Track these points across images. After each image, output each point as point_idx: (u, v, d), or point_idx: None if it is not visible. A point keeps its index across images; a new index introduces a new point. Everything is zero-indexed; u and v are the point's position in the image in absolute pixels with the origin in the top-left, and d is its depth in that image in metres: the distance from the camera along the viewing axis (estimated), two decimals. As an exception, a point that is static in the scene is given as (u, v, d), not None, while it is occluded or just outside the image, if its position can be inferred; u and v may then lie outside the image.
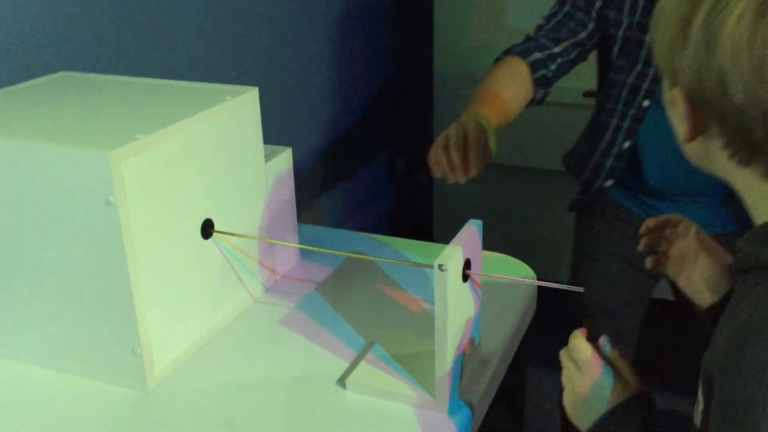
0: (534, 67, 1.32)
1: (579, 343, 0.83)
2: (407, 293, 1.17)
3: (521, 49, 1.34)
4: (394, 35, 2.62)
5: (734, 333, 0.62)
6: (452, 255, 0.84)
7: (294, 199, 1.23)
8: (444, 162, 1.09)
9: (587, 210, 1.51)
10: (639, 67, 1.32)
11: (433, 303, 0.85)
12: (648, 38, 1.29)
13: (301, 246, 1.20)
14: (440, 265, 0.82)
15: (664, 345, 2.30)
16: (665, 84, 0.70)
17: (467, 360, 0.93)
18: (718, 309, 0.92)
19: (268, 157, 1.14)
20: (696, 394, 0.75)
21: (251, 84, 1.10)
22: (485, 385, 0.96)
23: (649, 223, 1.01)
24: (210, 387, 0.96)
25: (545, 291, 1.18)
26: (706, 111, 0.64)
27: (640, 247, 1.03)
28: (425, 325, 1.05)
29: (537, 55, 1.32)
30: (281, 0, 1.90)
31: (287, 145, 1.21)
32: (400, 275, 1.22)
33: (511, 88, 1.29)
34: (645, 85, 1.32)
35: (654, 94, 1.32)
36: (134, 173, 0.87)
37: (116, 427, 0.90)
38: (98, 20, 1.34)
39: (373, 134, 2.56)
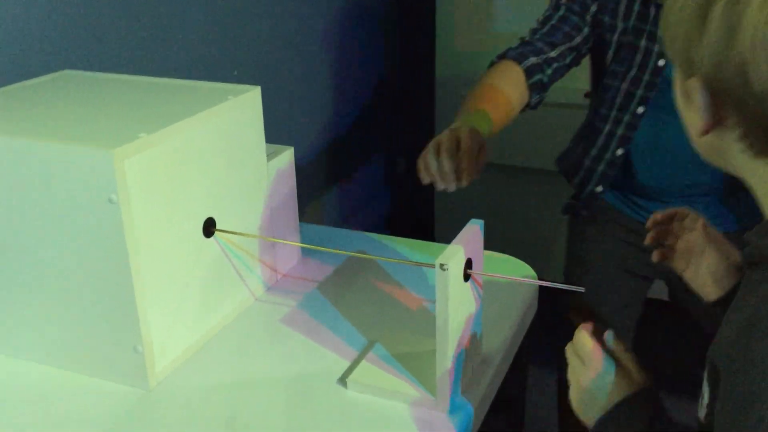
0: (529, 72, 1.30)
1: (583, 337, 0.83)
2: (409, 292, 1.17)
3: (516, 54, 1.32)
4: (396, 35, 2.62)
5: (741, 326, 0.62)
6: (454, 254, 0.84)
7: (296, 198, 1.23)
8: (434, 168, 1.05)
9: (580, 214, 1.50)
10: (633, 72, 1.31)
11: (434, 302, 0.85)
12: (642, 43, 1.29)
13: (303, 245, 1.20)
14: (441, 265, 0.82)
15: (659, 345, 2.30)
16: (677, 76, 0.69)
17: (469, 359, 0.94)
18: (723, 303, 0.92)
19: (269, 156, 1.15)
20: (688, 392, 0.75)
21: (253, 83, 1.10)
22: (486, 384, 0.96)
23: (657, 216, 1.01)
24: (211, 385, 0.97)
25: (544, 291, 1.18)
26: (725, 100, 0.64)
27: (647, 240, 1.02)
28: (426, 324, 1.05)
29: (532, 60, 1.31)
30: (283, 1, 1.90)
31: (289, 144, 1.22)
32: (402, 275, 1.22)
33: (505, 93, 1.28)
34: (639, 91, 1.31)
35: (648, 100, 1.31)
36: (136, 171, 0.88)
37: (117, 425, 0.90)
38: (101, 19, 1.35)
39: (375, 134, 2.57)
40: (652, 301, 1.67)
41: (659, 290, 1.62)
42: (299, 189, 1.24)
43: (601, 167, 1.40)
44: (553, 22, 1.35)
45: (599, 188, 1.42)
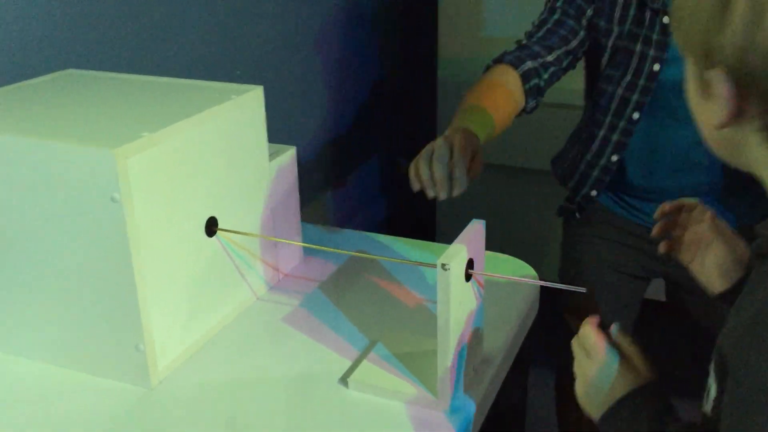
0: (525, 77, 1.29)
1: (588, 329, 0.83)
2: (410, 292, 1.17)
3: (513, 58, 1.30)
4: (398, 36, 2.62)
5: (751, 318, 0.62)
6: (455, 254, 0.84)
7: (298, 198, 1.23)
8: (425, 175, 1.02)
9: (574, 216, 1.50)
10: (629, 77, 1.30)
11: (435, 302, 0.85)
12: (638, 48, 1.28)
13: (305, 245, 1.20)
14: (443, 265, 0.82)
15: (656, 346, 2.30)
16: (691, 69, 0.68)
17: (470, 358, 0.94)
18: (728, 296, 0.91)
19: (272, 155, 1.15)
20: (687, 393, 0.75)
21: (255, 83, 1.10)
22: (487, 384, 0.96)
23: (665, 207, 1.00)
24: (213, 384, 0.97)
25: (543, 291, 1.19)
26: (749, 90, 0.62)
27: (654, 232, 1.02)
28: (428, 324, 1.05)
29: (529, 64, 1.30)
30: (286, 1, 1.90)
31: (291, 144, 1.22)
32: (403, 274, 1.22)
33: (501, 98, 1.26)
34: (635, 96, 1.31)
35: (644, 106, 1.31)
36: (139, 170, 0.88)
37: (119, 424, 0.90)
38: (104, 19, 1.35)
39: (377, 134, 2.57)
40: (649, 302, 1.67)
41: (655, 291, 1.63)
42: (301, 188, 1.24)
43: (595, 173, 1.40)
44: (549, 25, 1.34)
45: (594, 192, 1.42)
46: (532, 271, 1.25)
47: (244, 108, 1.06)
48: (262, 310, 1.13)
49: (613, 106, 1.34)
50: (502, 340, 1.04)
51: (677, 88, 1.28)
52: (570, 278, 1.54)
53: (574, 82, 1.48)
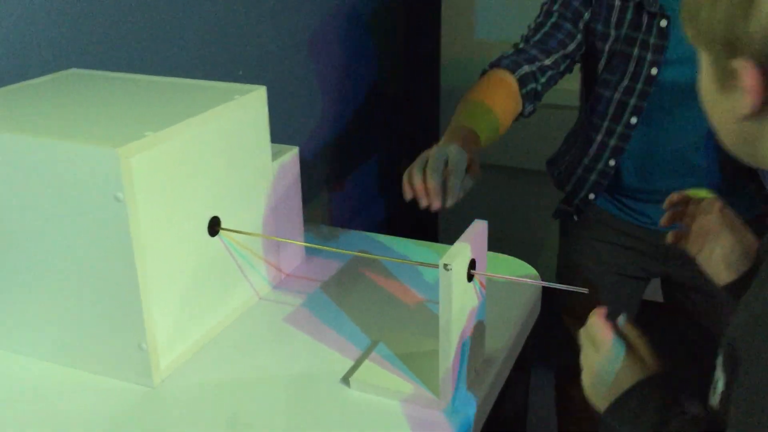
0: (522, 81, 1.26)
1: (595, 321, 0.83)
2: (412, 292, 1.17)
3: (509, 62, 1.28)
4: (401, 37, 2.62)
5: (762, 311, 0.62)
6: (457, 254, 0.85)
7: (300, 198, 1.23)
8: (419, 185, 1.00)
9: (571, 218, 1.49)
10: (626, 81, 1.29)
11: (437, 302, 0.85)
12: (635, 52, 1.27)
13: (307, 244, 1.20)
14: (445, 265, 0.83)
15: (654, 346, 2.29)
16: (708, 61, 0.66)
17: (472, 359, 0.94)
18: (734, 288, 0.91)
19: (275, 155, 1.15)
20: (684, 394, 0.75)
21: (259, 83, 1.10)
22: (489, 385, 0.96)
23: (673, 197, 1.00)
24: (215, 383, 0.97)
25: (543, 293, 1.19)
26: None
27: (663, 221, 1.02)
28: (430, 324, 1.06)
29: (526, 69, 1.27)
30: (290, 2, 1.90)
31: (293, 144, 1.22)
32: (405, 275, 1.22)
33: (503, 97, 1.24)
34: (632, 101, 1.30)
35: (641, 110, 1.30)
36: (142, 169, 0.88)
37: (122, 422, 0.91)
38: (108, 19, 1.35)
39: (379, 135, 2.57)
40: (646, 303, 1.67)
41: (653, 292, 1.63)
42: (303, 189, 1.25)
43: (593, 177, 1.39)
44: (545, 29, 1.32)
45: (592, 196, 1.42)
46: (533, 272, 1.25)
47: (248, 108, 1.06)
48: (264, 309, 1.13)
49: (611, 110, 1.33)
50: (504, 340, 1.04)
51: (675, 91, 1.29)
52: (568, 280, 1.54)
53: (574, 83, 1.48)
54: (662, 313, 1.70)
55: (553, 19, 1.32)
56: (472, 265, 0.89)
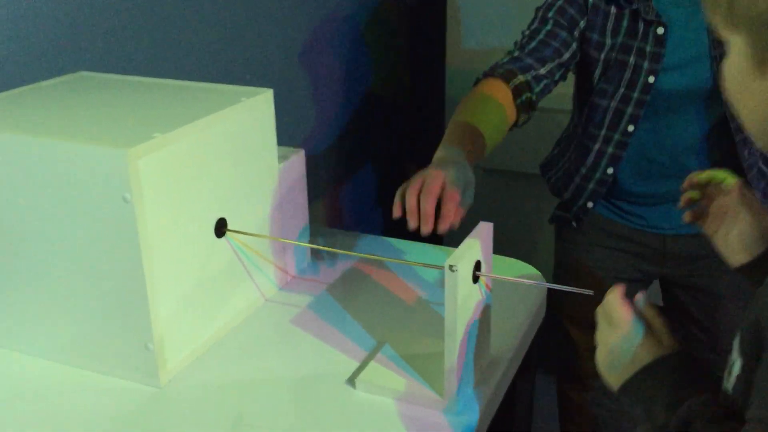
0: (517, 91, 1.24)
1: (613, 298, 0.82)
2: (417, 294, 1.18)
3: (504, 71, 1.25)
4: (407, 41, 2.63)
5: None
6: (463, 255, 0.85)
7: (306, 200, 1.24)
8: (413, 206, 0.96)
9: (568, 224, 1.49)
10: (622, 90, 1.29)
11: (443, 304, 0.86)
12: (631, 60, 1.27)
13: (313, 246, 1.21)
14: (451, 266, 0.83)
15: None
16: (745, 45, 0.63)
17: (477, 360, 0.94)
18: (748, 269, 0.91)
19: (280, 158, 1.15)
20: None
21: (265, 87, 1.11)
22: (494, 386, 0.96)
23: (693, 178, 0.99)
24: (221, 384, 0.97)
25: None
26: None
27: (681, 203, 1.01)
28: (435, 325, 1.06)
29: (520, 78, 1.24)
30: (296, 6, 1.91)
31: (300, 147, 1.23)
32: (411, 276, 1.22)
33: (492, 116, 1.21)
34: (629, 109, 1.29)
35: (639, 119, 1.30)
36: (150, 171, 0.89)
37: (128, 422, 0.91)
38: (116, 22, 1.36)
39: (384, 138, 2.57)
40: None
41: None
42: (309, 191, 1.25)
43: (591, 185, 1.39)
44: (541, 36, 1.29)
45: (590, 204, 1.42)
46: (538, 274, 1.25)
47: (254, 110, 1.07)
48: (270, 311, 1.14)
49: (607, 119, 1.32)
50: (510, 342, 1.05)
51: (672, 97, 1.29)
52: (566, 284, 1.53)
53: (570, 87, 1.47)
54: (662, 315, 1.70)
55: (548, 27, 1.29)
56: (478, 266, 0.90)
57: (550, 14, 1.30)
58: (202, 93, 1.09)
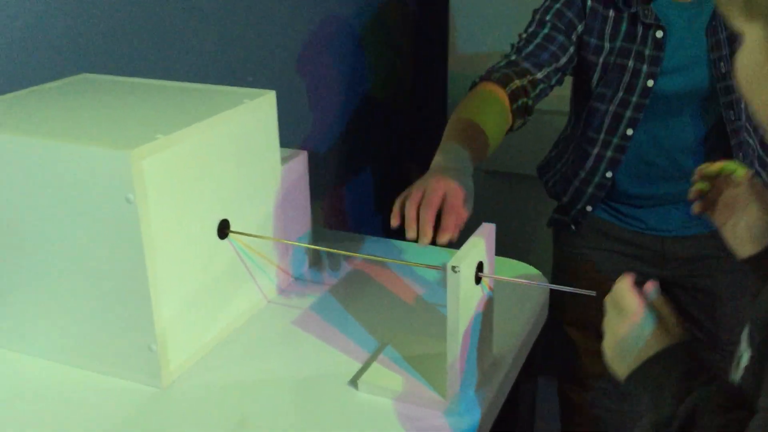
0: (513, 96, 1.22)
1: (623, 287, 0.82)
2: (419, 295, 1.18)
3: (500, 76, 1.23)
4: (410, 42, 2.63)
5: None
6: (465, 256, 0.85)
7: (309, 201, 1.24)
8: (412, 218, 0.94)
9: (567, 228, 1.49)
10: (621, 94, 1.29)
11: (445, 305, 0.86)
12: (630, 63, 1.27)
13: (316, 247, 1.21)
14: (453, 267, 0.83)
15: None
16: (758, 31, 0.61)
17: (479, 361, 0.94)
18: (755, 261, 0.90)
19: (283, 160, 1.16)
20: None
21: (267, 88, 1.11)
22: (496, 387, 0.96)
23: (703, 169, 0.99)
24: (224, 385, 0.98)
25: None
26: None
27: (691, 195, 1.01)
28: (437, 326, 1.06)
29: (517, 83, 1.22)
30: (298, 8, 1.92)
31: (302, 148, 1.23)
32: (413, 278, 1.22)
33: (494, 115, 1.20)
34: (628, 113, 1.29)
35: (638, 122, 1.30)
36: (153, 172, 0.89)
37: (131, 423, 0.91)
38: (118, 24, 1.36)
39: (387, 140, 2.58)
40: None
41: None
42: (311, 193, 1.25)
43: (590, 189, 1.39)
44: (538, 40, 1.28)
45: (589, 208, 1.42)
46: (541, 276, 1.25)
47: (257, 112, 1.07)
48: (272, 312, 1.14)
49: (606, 123, 1.32)
50: (512, 343, 1.05)
51: (671, 100, 1.29)
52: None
53: (568, 89, 1.46)
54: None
55: (545, 30, 1.28)
56: (480, 267, 0.90)
57: (547, 17, 1.29)
58: (205, 95, 1.10)
